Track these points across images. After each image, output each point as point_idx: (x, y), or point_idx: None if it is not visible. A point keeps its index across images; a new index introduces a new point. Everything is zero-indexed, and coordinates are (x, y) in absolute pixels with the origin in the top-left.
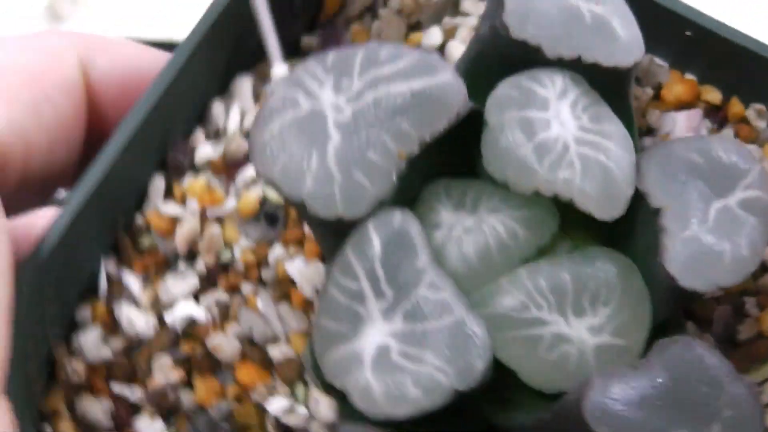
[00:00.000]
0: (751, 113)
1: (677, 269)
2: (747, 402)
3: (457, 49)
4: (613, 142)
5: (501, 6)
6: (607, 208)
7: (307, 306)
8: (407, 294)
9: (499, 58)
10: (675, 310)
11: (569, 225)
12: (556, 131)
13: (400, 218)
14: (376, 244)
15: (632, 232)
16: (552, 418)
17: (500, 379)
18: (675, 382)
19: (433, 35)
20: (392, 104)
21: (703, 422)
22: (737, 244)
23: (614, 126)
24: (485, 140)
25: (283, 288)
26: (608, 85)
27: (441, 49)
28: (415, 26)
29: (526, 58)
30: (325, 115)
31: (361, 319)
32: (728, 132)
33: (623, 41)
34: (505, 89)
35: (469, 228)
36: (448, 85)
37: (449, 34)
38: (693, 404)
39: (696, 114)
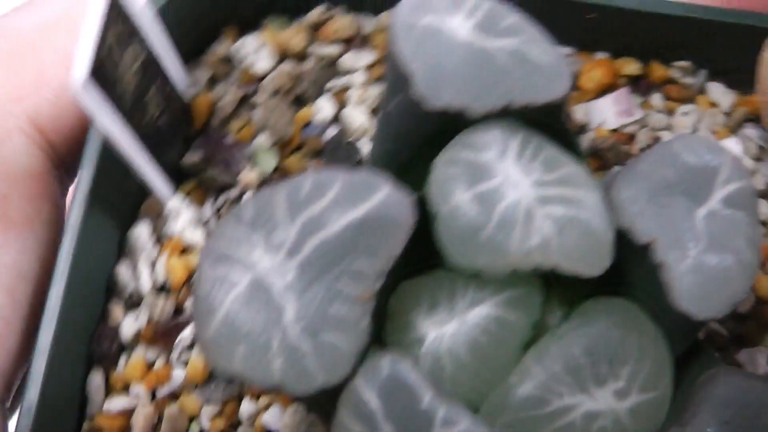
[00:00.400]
0: (675, 72)
1: (690, 303)
2: None
3: (356, 116)
4: (575, 188)
5: (406, 77)
6: (594, 262)
7: None
8: None
9: (420, 132)
10: (693, 337)
11: (553, 285)
12: (512, 197)
13: (388, 364)
14: (372, 400)
15: (623, 271)
16: None
17: None
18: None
19: (324, 108)
20: (336, 245)
21: None
22: (738, 249)
23: (570, 167)
24: (440, 231)
25: None
26: (545, 120)
27: (336, 119)
28: (300, 101)
29: (451, 123)
30: (269, 283)
31: None
32: (657, 97)
33: (547, 70)
34: (443, 170)
35: (455, 333)
36: (389, 200)
37: (340, 100)
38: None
39: (622, 94)
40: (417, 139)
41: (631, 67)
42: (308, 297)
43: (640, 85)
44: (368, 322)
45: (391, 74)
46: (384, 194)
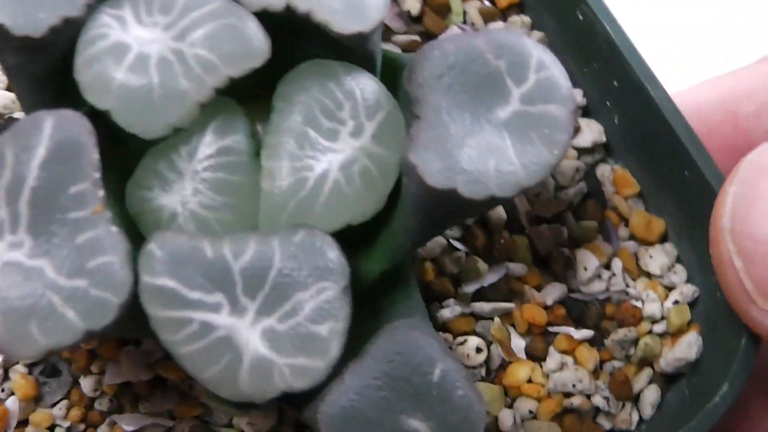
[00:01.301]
0: None
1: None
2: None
3: None
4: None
5: None
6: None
7: None
8: None
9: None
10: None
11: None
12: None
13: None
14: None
15: None
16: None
17: None
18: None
19: None
20: (44, 190)
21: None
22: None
23: None
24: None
25: None
26: None
27: None
28: None
29: None
30: (17, 262)
31: None
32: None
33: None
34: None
35: (194, 191)
36: (60, 125)
37: None
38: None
39: None
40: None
41: None
42: (55, 247)
43: None
44: (116, 229)
45: None
46: (52, 123)
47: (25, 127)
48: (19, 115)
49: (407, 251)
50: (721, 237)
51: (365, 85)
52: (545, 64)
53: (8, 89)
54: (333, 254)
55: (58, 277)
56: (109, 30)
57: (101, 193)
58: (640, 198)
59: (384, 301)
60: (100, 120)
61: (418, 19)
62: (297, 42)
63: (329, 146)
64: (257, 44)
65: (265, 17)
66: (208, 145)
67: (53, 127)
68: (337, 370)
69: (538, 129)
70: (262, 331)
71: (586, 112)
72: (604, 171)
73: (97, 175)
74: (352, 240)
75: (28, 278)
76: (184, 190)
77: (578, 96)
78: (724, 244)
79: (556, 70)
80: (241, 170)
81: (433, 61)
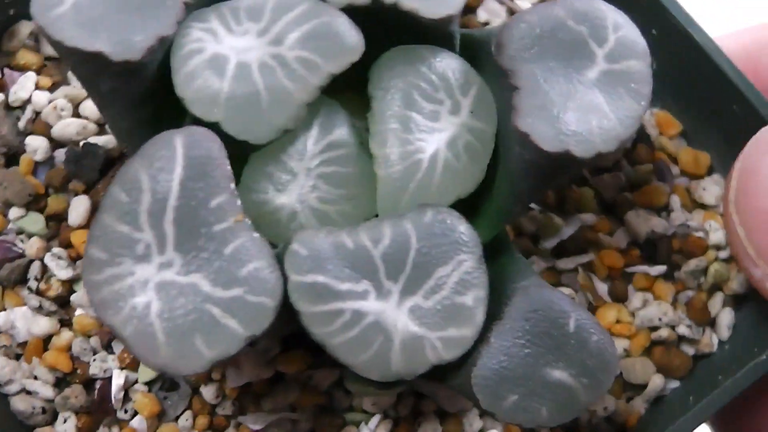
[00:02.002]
0: None
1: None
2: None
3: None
4: None
5: None
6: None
7: None
8: None
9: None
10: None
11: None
12: (238, 59)
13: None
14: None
15: None
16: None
17: None
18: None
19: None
20: (183, 208)
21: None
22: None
23: None
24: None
25: None
26: None
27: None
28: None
29: None
30: (170, 281)
31: None
32: None
33: None
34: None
35: (312, 187)
36: (194, 140)
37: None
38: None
39: None
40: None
41: None
42: (206, 261)
43: None
44: (258, 235)
45: None
46: (183, 142)
47: (155, 149)
48: (95, 140)
49: (516, 215)
50: (729, 209)
51: (453, 65)
52: (621, 24)
53: (76, 115)
54: (463, 227)
55: (214, 290)
56: (203, 44)
57: (239, 202)
58: (683, 136)
59: (495, 267)
60: None
61: None
62: (379, 31)
63: (433, 126)
64: (352, 39)
65: (351, 11)
66: (315, 142)
67: (185, 145)
68: (477, 342)
69: (624, 84)
70: (410, 310)
71: None
72: (645, 116)
73: (233, 185)
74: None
75: (185, 295)
76: (300, 188)
77: None
78: (730, 215)
79: (631, 29)
80: (352, 161)
81: (521, 33)
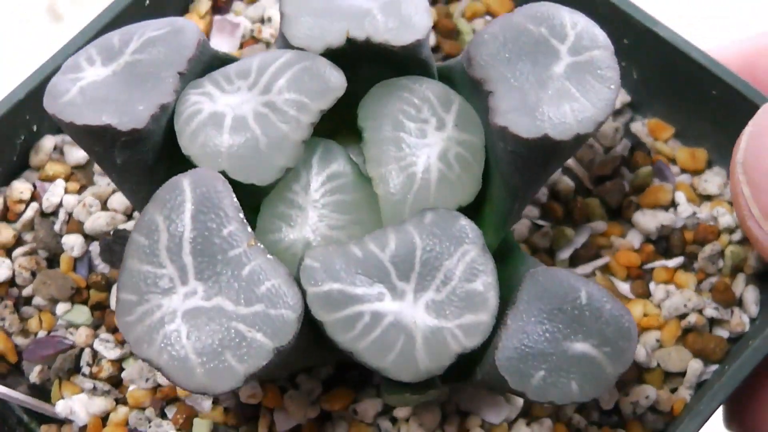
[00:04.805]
0: None
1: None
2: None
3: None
4: None
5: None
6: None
7: None
8: None
9: None
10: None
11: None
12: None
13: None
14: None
15: None
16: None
17: None
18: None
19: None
20: (200, 243)
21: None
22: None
23: None
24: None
25: None
26: None
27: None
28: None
29: None
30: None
31: None
32: None
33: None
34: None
35: (320, 217)
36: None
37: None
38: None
39: None
40: None
41: None
42: (225, 285)
43: None
44: (272, 256)
45: None
46: (189, 181)
47: (165, 192)
48: (124, 226)
49: (515, 213)
50: (736, 169)
51: (433, 87)
52: (577, 21)
53: (104, 209)
54: (463, 221)
55: (237, 308)
56: (201, 105)
57: (249, 228)
58: (676, 138)
59: (506, 271)
60: None
61: (437, 49)
62: (358, 67)
63: (423, 142)
64: (333, 77)
65: (329, 54)
66: (317, 175)
67: (192, 183)
68: (496, 330)
69: (591, 71)
70: (425, 306)
71: None
72: (637, 127)
73: (241, 214)
74: None
75: (211, 318)
76: (310, 219)
77: None
78: (736, 176)
79: (588, 23)
80: (353, 188)
81: (486, 43)
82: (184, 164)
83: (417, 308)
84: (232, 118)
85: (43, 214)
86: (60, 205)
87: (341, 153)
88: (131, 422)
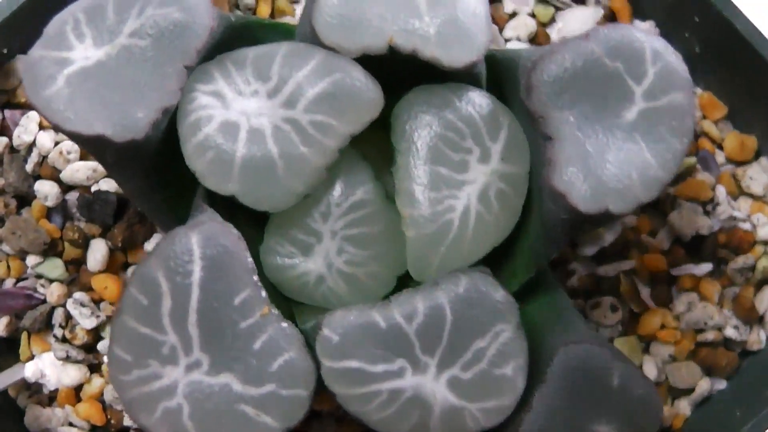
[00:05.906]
0: None
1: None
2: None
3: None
4: None
5: None
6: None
7: None
8: None
9: None
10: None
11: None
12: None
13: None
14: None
15: None
16: None
17: None
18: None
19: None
20: (211, 324)
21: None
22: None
23: None
24: None
25: None
26: None
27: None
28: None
29: None
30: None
31: None
32: None
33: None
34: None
35: (337, 249)
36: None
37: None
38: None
39: None
40: None
41: None
42: (234, 360)
43: None
44: (287, 324)
45: None
46: (198, 240)
47: (171, 248)
48: (106, 184)
49: (550, 256)
50: None
51: (480, 104)
52: (660, 53)
53: (83, 158)
54: (499, 294)
55: (245, 388)
56: (211, 110)
57: (264, 293)
58: (728, 119)
59: (530, 307)
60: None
61: None
62: (399, 71)
63: (463, 179)
64: (369, 95)
65: (365, 60)
66: (339, 202)
67: (201, 243)
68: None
69: (665, 122)
70: (448, 382)
71: None
72: None
73: (256, 278)
74: (491, 255)
75: (215, 396)
76: (326, 251)
77: (651, 27)
78: None
79: (671, 56)
80: (378, 219)
81: (551, 74)
82: (185, 169)
83: (438, 383)
84: (247, 132)
85: (12, 149)
86: (33, 144)
87: (368, 176)
88: (106, 398)
